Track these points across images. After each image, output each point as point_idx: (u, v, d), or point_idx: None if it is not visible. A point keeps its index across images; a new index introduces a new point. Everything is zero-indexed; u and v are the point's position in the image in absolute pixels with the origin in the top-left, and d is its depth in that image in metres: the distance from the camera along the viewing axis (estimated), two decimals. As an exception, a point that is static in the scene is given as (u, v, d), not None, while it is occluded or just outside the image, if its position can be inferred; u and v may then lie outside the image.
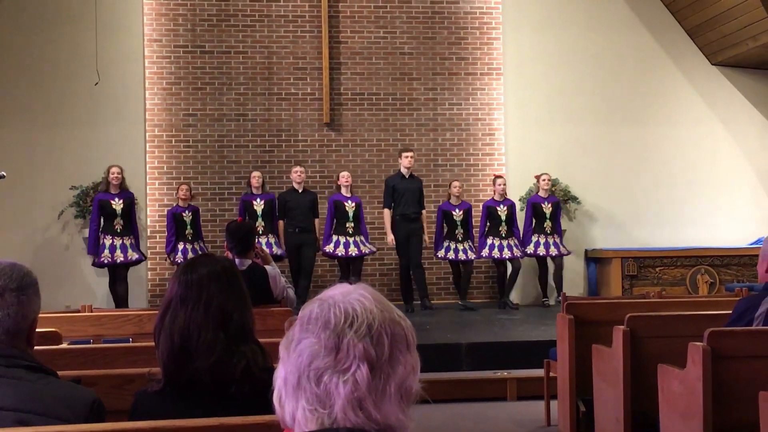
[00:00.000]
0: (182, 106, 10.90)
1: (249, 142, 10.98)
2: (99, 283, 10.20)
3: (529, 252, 10.30)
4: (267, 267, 5.49)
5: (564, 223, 10.91)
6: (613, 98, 11.39)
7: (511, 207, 10.24)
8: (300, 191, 9.93)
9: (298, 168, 10.01)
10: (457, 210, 10.05)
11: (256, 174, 10.05)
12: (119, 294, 9.55)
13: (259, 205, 9.90)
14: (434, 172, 11.11)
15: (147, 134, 10.80)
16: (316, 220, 9.94)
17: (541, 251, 10.24)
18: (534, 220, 10.35)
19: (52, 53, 10.62)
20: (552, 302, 10.44)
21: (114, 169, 9.60)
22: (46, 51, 10.62)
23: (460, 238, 10.00)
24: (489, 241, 10.10)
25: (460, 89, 11.25)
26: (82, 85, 10.51)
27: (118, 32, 10.76)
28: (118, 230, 9.52)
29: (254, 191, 10.00)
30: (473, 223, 10.24)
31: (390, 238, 9.79)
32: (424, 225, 10.00)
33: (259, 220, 9.74)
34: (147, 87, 10.84)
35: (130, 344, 4.25)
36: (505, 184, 10.27)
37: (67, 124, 10.58)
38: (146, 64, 10.85)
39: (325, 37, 10.94)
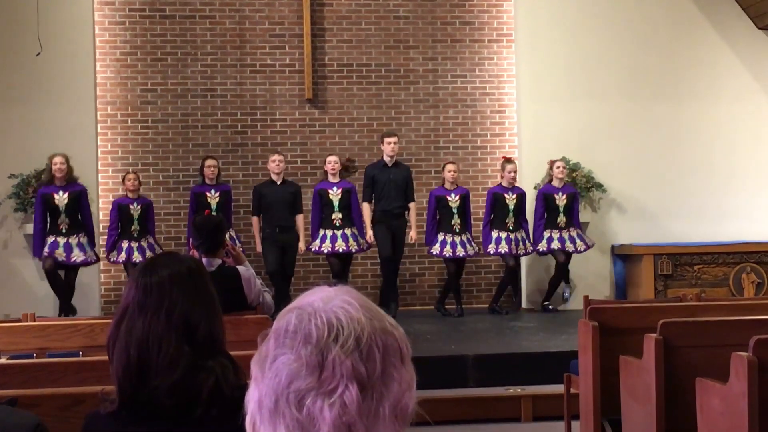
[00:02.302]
0: (139, 80, 10.87)
1: (218, 122, 10.96)
2: (43, 287, 10.17)
3: (541, 250, 10.36)
4: (239, 267, 5.49)
5: (587, 214, 10.93)
6: (643, 70, 11.39)
7: (521, 196, 10.25)
8: (279, 183, 9.90)
9: (276, 156, 9.96)
10: (452, 195, 10.03)
11: (211, 162, 10.07)
12: (60, 290, 9.64)
13: (213, 198, 9.92)
14: (435, 156, 11.10)
15: (98, 113, 10.77)
16: (299, 217, 9.91)
17: (555, 245, 10.27)
18: (546, 214, 10.37)
19: (-14, 19, 10.57)
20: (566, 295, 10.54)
21: (57, 159, 9.62)
22: (-21, 16, 10.57)
23: (457, 230, 9.98)
24: (494, 234, 10.11)
25: (464, 59, 11.24)
26: (21, 57, 10.46)
27: (63, -6, 10.72)
28: (63, 230, 9.56)
29: (208, 181, 10.02)
30: (472, 213, 10.24)
31: (369, 234, 9.77)
32: (413, 220, 9.99)
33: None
34: (97, 58, 10.80)
35: (80, 359, 4.25)
36: (515, 171, 10.28)
37: (4, 102, 10.54)
38: (96, 31, 10.81)
39: (307, -1, 10.92)
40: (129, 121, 10.87)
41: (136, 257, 9.72)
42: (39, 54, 10.34)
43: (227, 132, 10.97)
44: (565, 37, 11.31)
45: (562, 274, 10.47)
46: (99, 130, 10.78)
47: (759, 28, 11.57)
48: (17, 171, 10.32)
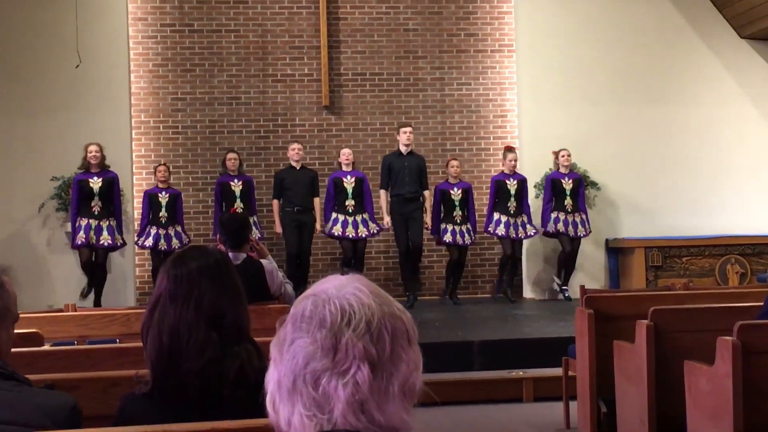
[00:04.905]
0: (170, 90, 10.89)
1: (242, 128, 10.98)
2: (83, 280, 10.20)
3: (550, 231, 10.30)
4: (263, 261, 5.50)
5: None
6: (634, 76, 11.34)
7: (522, 182, 10.23)
8: (298, 168, 9.97)
9: (295, 145, 10.06)
10: (455, 189, 10.04)
11: (232, 155, 10.16)
12: (93, 277, 9.68)
13: (237, 186, 9.99)
14: (442, 157, 11.07)
15: (132, 120, 10.80)
16: (316, 200, 9.98)
17: (561, 228, 10.21)
18: (554, 198, 10.34)
19: (29, 34, 10.60)
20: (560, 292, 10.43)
21: (92, 147, 9.67)
22: (23, 32, 10.60)
23: (458, 221, 9.98)
24: (496, 216, 10.10)
25: (469, 68, 11.22)
26: (62, 69, 10.49)
27: (100, 10, 10.74)
28: (96, 212, 9.59)
29: (230, 173, 10.08)
30: (474, 205, 10.24)
31: (386, 220, 9.81)
32: (427, 206, 9.99)
33: (238, 201, 9.85)
34: (132, 69, 10.83)
35: (117, 345, 4.28)
36: (516, 159, 10.27)
37: (46, 111, 10.57)
38: (131, 45, 10.84)
39: (323, 14, 10.91)
40: (161, 127, 10.89)
41: (162, 245, 9.75)
42: (78, 66, 10.37)
43: (251, 137, 10.98)
44: (562, 46, 11.27)
45: (568, 259, 10.38)
46: (134, 135, 10.81)
47: (742, 38, 11.51)
48: (59, 174, 10.33)
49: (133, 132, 10.80)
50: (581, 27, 11.29)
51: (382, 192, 9.93)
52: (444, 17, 11.22)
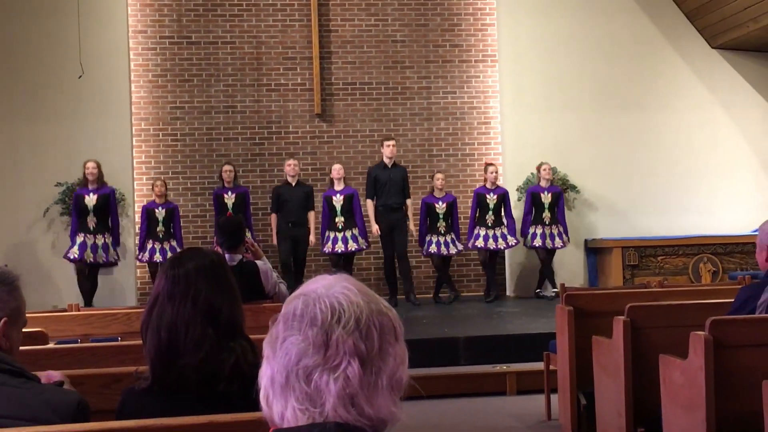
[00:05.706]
0: (169, 99, 10.87)
1: (238, 135, 10.96)
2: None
3: (527, 245, 10.37)
4: (258, 262, 5.48)
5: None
6: (611, 84, 11.38)
7: (503, 196, 10.23)
8: (294, 185, 9.95)
9: (291, 161, 10.04)
10: (440, 203, 10.06)
11: (227, 167, 10.13)
12: (85, 290, 9.68)
13: (230, 199, 9.97)
14: (429, 162, 11.10)
15: (133, 128, 10.77)
16: (311, 214, 9.97)
17: (537, 243, 10.25)
18: (533, 210, 10.36)
19: (34, 46, 10.57)
20: (549, 294, 10.47)
21: (89, 164, 9.67)
22: (28, 44, 10.57)
23: (442, 231, 9.99)
24: (476, 230, 10.13)
25: (454, 77, 11.23)
26: (65, 79, 10.47)
27: (101, 23, 10.71)
28: (91, 228, 9.59)
29: (226, 185, 10.06)
30: (459, 216, 10.23)
31: (374, 228, 9.83)
32: (410, 214, 10.01)
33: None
34: (132, 79, 10.80)
35: (119, 343, 4.26)
36: (496, 172, 10.28)
37: (51, 119, 10.54)
38: (131, 56, 10.81)
39: (315, 26, 10.91)
40: (160, 135, 10.86)
41: (157, 258, 9.72)
42: (81, 77, 10.35)
43: (246, 143, 10.97)
44: (543, 56, 11.30)
45: (545, 268, 10.42)
46: (134, 142, 10.78)
47: (712, 48, 11.55)
48: (63, 179, 10.31)
49: (134, 139, 10.77)
50: (561, 38, 11.32)
51: (369, 202, 9.95)
52: (430, 29, 11.23)
